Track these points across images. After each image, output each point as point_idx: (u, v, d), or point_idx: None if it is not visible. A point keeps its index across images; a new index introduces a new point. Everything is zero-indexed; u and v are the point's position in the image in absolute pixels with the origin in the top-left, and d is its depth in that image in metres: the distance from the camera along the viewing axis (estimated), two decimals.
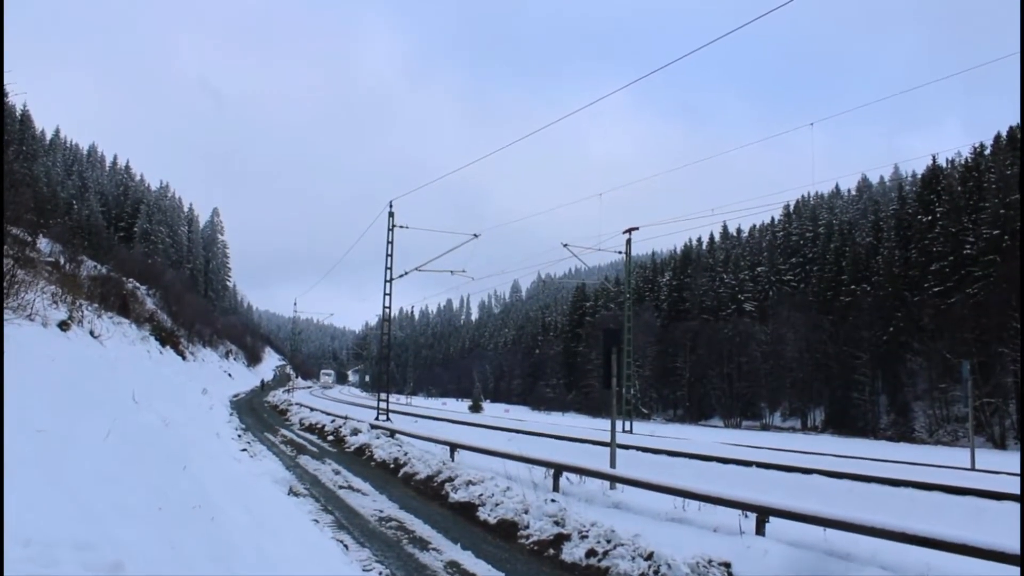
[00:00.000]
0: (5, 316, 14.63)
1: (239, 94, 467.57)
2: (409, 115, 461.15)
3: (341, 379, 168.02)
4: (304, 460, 20.24)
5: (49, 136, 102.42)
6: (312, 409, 39.06)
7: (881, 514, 9.49)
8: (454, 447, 20.48)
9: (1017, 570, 7.27)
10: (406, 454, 18.72)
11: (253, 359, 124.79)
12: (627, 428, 38.93)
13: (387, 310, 38.58)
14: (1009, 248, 51.09)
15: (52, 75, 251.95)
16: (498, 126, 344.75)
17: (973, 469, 22.06)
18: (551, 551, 9.88)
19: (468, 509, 12.69)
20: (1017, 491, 13.41)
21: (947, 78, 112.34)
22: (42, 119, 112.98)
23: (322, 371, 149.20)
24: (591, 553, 9.33)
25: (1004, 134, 63.19)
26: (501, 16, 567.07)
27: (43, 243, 34.70)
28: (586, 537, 9.70)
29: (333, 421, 30.06)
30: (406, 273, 38.16)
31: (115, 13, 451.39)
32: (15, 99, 76.22)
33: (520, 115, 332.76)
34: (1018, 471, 18.77)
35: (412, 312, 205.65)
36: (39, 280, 21.87)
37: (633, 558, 8.83)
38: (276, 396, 57.06)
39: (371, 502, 13.73)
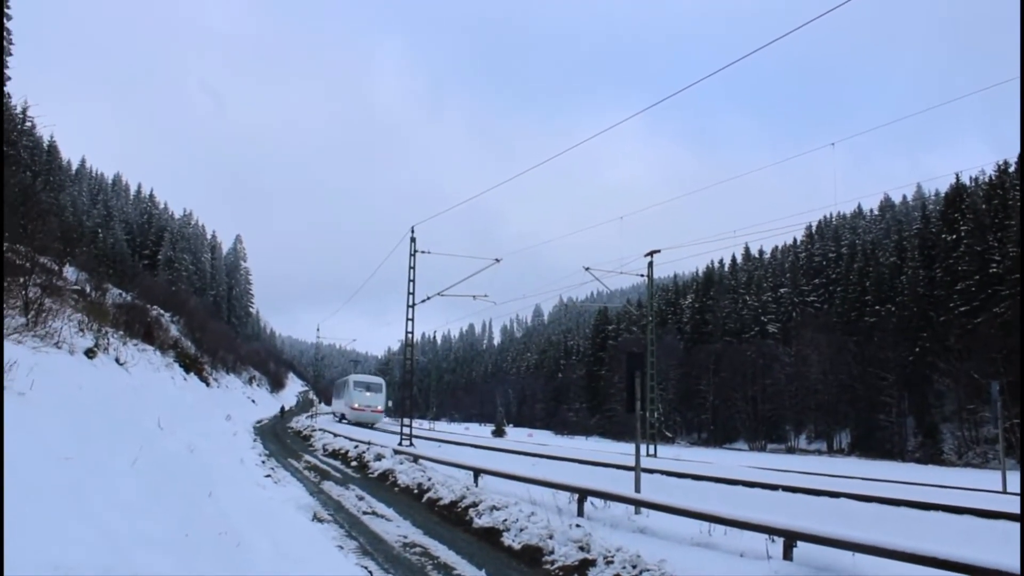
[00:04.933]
0: (33, 344, 14.82)
1: (259, 124, 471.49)
2: (425, 143, 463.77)
3: None
4: (328, 486, 20.23)
5: (75, 166, 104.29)
6: (335, 435, 39.07)
7: (911, 538, 9.34)
8: (478, 472, 20.40)
9: None
10: (430, 479, 18.65)
11: (276, 385, 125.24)
12: (651, 452, 38.64)
13: (410, 335, 38.64)
14: None
15: (78, 105, 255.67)
16: (514, 153, 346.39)
17: (1005, 492, 21.70)
18: None
19: (492, 534, 12.61)
20: None
21: (970, 95, 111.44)
22: (68, 150, 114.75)
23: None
24: None
25: None
26: (513, 46, 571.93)
27: (69, 271, 35.09)
28: (612, 562, 9.60)
29: (356, 447, 30.04)
30: (428, 298, 38.21)
31: (136, 42, 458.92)
32: (43, 131, 77.89)
33: (535, 142, 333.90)
34: None
35: (435, 337, 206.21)
36: (66, 308, 22.12)
37: None
38: (299, 422, 57.18)
39: (395, 528, 13.68)
